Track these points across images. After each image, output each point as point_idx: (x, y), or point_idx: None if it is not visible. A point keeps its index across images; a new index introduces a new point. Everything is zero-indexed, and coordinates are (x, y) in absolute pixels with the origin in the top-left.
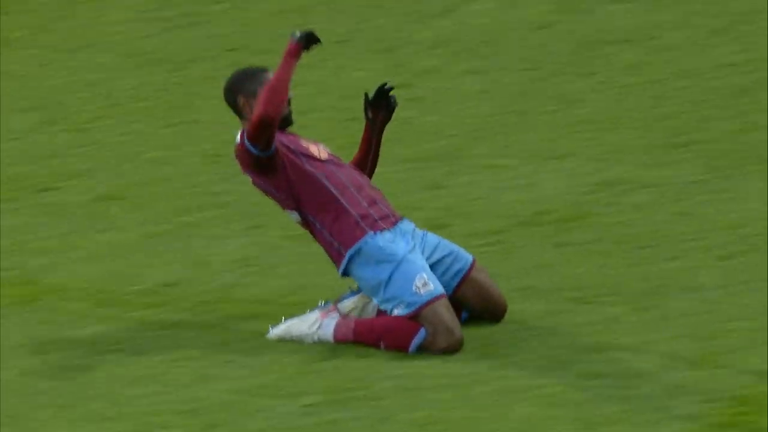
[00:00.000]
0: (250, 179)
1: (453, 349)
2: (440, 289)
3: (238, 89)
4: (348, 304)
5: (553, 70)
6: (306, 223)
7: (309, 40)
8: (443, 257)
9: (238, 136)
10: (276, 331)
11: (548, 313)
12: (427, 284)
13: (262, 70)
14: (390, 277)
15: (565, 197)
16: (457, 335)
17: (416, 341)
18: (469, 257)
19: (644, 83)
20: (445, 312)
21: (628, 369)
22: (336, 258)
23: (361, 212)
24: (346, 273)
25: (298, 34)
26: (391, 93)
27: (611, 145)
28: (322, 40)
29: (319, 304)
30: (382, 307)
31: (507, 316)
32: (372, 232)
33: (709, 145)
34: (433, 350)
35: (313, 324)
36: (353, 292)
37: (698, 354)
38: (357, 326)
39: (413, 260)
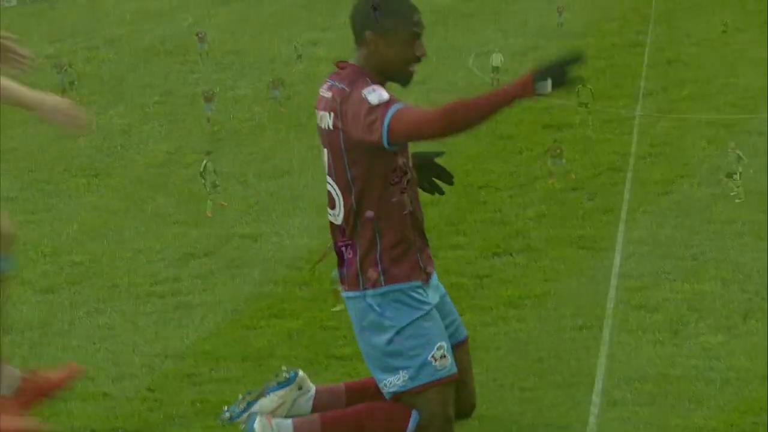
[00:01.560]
0: (340, 133)
1: None
2: (455, 368)
3: (371, 22)
4: (274, 399)
5: None
6: (359, 221)
7: (553, 82)
8: (449, 324)
9: (373, 95)
10: None
11: None
12: (445, 357)
13: (412, 9)
14: (406, 326)
15: None
16: (452, 429)
17: (409, 428)
18: (464, 331)
19: None
20: (450, 399)
21: None
22: (365, 273)
23: (423, 256)
24: (361, 294)
25: (541, 74)
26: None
27: None
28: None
29: (240, 397)
30: (377, 365)
31: None
32: (419, 283)
33: None
34: None
35: (264, 429)
36: (280, 384)
37: None
38: (325, 421)
39: (438, 319)
